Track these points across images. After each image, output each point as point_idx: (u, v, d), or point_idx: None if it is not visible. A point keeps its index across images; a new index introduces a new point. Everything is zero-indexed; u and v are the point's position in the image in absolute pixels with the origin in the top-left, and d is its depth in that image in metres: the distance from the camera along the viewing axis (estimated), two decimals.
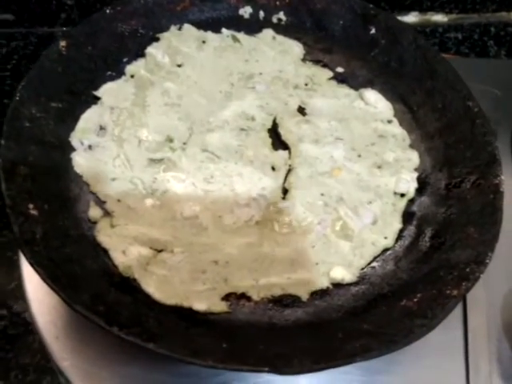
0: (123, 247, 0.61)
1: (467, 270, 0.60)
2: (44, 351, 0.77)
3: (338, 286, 0.63)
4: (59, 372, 0.68)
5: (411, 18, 1.29)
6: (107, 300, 0.55)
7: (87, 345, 0.64)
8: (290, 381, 0.62)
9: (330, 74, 0.84)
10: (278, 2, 0.88)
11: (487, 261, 0.61)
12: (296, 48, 0.85)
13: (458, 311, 0.70)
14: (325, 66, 0.85)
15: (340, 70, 0.84)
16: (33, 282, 0.68)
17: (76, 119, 0.71)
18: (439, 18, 1.30)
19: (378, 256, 0.66)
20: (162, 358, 0.52)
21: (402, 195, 0.72)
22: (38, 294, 0.67)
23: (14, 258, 0.87)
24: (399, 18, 1.27)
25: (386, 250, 0.67)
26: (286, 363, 0.51)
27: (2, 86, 1.01)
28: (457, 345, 0.68)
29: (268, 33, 0.86)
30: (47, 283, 0.54)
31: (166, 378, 0.63)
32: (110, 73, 0.77)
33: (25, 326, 0.82)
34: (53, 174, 0.65)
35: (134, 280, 0.60)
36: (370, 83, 0.83)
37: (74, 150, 0.69)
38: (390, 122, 0.79)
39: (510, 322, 0.70)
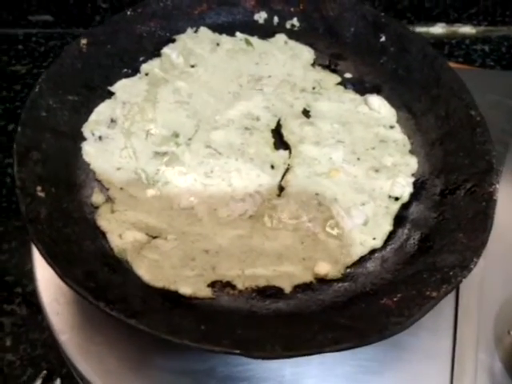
0: (120, 231, 0.65)
1: (450, 273, 0.61)
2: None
3: (321, 281, 0.65)
4: (60, 348, 0.73)
5: (438, 29, 1.29)
6: (98, 278, 0.59)
7: (86, 322, 0.68)
8: (275, 370, 0.65)
9: (338, 79, 0.86)
10: (292, 9, 0.91)
11: (472, 266, 0.61)
12: (306, 53, 0.88)
13: (448, 319, 0.71)
14: (334, 71, 0.87)
15: (348, 75, 0.86)
16: (41, 262, 0.73)
17: (90, 112, 0.76)
18: (467, 29, 1.29)
19: (366, 256, 0.68)
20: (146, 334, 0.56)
21: (397, 199, 0.73)
22: (45, 274, 0.72)
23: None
24: (425, 28, 1.28)
25: (373, 250, 0.68)
26: (257, 348, 0.54)
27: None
28: (445, 352, 0.68)
29: (281, 38, 0.89)
30: (45, 258, 0.58)
31: (159, 359, 0.66)
32: (125, 70, 0.82)
33: (36, 305, 0.88)
34: (62, 161, 0.70)
35: (127, 262, 0.64)
36: (376, 89, 0.85)
37: (84, 139, 0.74)
38: (392, 127, 0.80)
39: (503, 333, 0.70)
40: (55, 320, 0.69)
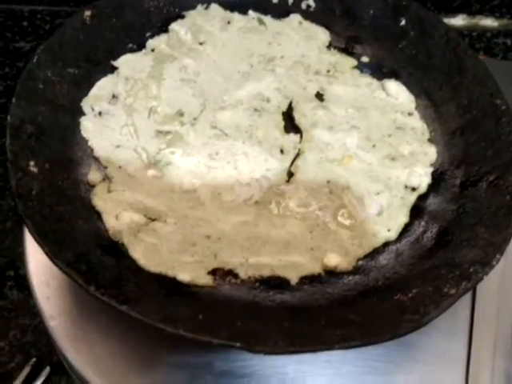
0: (117, 212, 0.61)
1: (470, 270, 0.57)
2: None
3: (330, 273, 0.61)
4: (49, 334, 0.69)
5: (458, 20, 1.25)
6: (90, 260, 0.55)
7: (78, 307, 0.64)
8: (278, 366, 0.61)
9: (355, 62, 0.81)
10: None
11: (493, 262, 0.57)
12: (322, 35, 0.83)
13: (464, 320, 0.66)
14: (350, 54, 0.82)
15: (365, 59, 0.82)
16: (34, 243, 0.69)
17: (90, 86, 0.72)
18: (488, 22, 1.24)
19: (379, 248, 0.63)
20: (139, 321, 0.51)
21: (414, 189, 0.68)
22: (36, 255, 0.68)
23: None
24: (446, 20, 1.23)
25: (387, 242, 0.64)
26: (259, 341, 0.49)
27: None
28: (459, 355, 0.64)
29: (295, 18, 0.84)
30: (34, 237, 0.54)
31: (153, 350, 0.62)
32: (130, 45, 0.78)
33: (29, 288, 0.84)
34: (59, 136, 0.66)
35: (123, 245, 0.59)
36: (394, 74, 0.80)
37: (83, 114, 0.69)
38: (410, 114, 0.75)
39: None
40: (45, 304, 0.65)
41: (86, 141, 0.67)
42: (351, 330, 0.51)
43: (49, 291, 0.66)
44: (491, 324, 0.67)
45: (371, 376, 0.62)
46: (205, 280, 0.58)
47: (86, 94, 0.71)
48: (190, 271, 0.58)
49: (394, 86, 0.77)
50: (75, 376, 0.67)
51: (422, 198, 0.68)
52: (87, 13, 0.75)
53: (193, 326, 0.50)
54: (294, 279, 0.59)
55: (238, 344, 0.48)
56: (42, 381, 0.74)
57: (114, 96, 0.72)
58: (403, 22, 0.82)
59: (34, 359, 0.76)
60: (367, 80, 0.79)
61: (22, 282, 0.84)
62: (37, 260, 0.68)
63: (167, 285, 0.57)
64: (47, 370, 0.75)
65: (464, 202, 0.66)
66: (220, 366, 0.61)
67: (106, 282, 0.52)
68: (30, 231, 0.55)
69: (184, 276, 0.57)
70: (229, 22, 0.83)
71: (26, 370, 0.74)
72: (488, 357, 0.64)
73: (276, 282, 0.59)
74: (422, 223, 0.65)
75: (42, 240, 0.54)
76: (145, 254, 0.58)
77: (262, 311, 0.56)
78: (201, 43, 0.80)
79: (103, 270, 0.55)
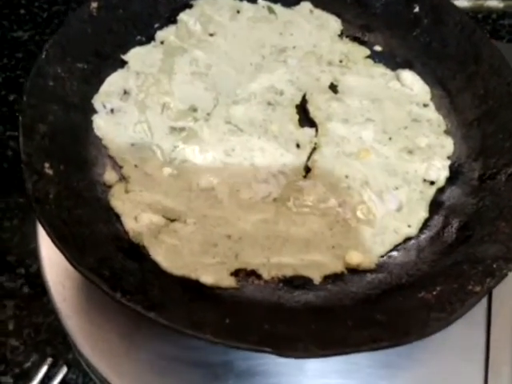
0: (136, 213, 0.60)
1: (494, 265, 0.56)
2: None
3: (353, 271, 0.60)
4: (67, 333, 0.68)
5: (463, 2, 1.22)
6: (113, 265, 0.54)
7: (94, 307, 0.64)
8: (296, 364, 0.61)
9: (367, 52, 0.80)
10: None
11: None
12: (333, 23, 0.81)
13: (481, 316, 0.66)
14: (362, 43, 0.81)
15: (378, 48, 0.80)
16: (47, 242, 0.68)
17: (100, 82, 0.70)
18: (494, 3, 1.22)
19: (400, 244, 0.63)
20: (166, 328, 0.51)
21: (432, 183, 0.68)
22: (50, 255, 0.67)
23: (35, 219, 0.89)
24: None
25: (408, 238, 0.63)
26: (289, 346, 0.49)
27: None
28: (478, 349, 0.64)
29: (306, 6, 0.82)
30: (54, 242, 0.53)
31: (170, 348, 0.62)
32: (139, 37, 0.76)
33: (41, 286, 0.83)
34: (72, 135, 0.64)
35: (143, 247, 0.59)
36: (408, 64, 0.78)
37: (95, 112, 0.68)
38: (425, 105, 0.74)
39: None
40: (61, 304, 0.65)
41: (99, 140, 0.66)
42: (378, 331, 0.51)
43: (64, 292, 0.65)
44: (509, 316, 0.67)
45: (390, 369, 0.62)
46: (228, 282, 0.57)
47: (96, 90, 0.69)
48: (213, 273, 0.57)
49: (409, 76, 0.76)
50: (93, 374, 0.66)
51: (440, 192, 0.67)
52: (94, 4, 0.73)
53: (221, 331, 0.49)
54: (317, 278, 0.59)
55: (269, 349, 0.48)
56: (59, 380, 0.74)
57: (125, 92, 0.70)
58: (416, 9, 0.80)
59: (50, 358, 0.75)
60: (381, 70, 0.77)
61: (34, 280, 0.83)
62: (51, 260, 0.67)
63: (191, 288, 0.56)
64: (64, 369, 0.75)
65: (483, 196, 0.65)
66: (240, 364, 0.61)
67: (130, 287, 0.52)
68: (50, 237, 0.54)
69: (207, 278, 0.56)
70: (238, 12, 0.81)
71: (43, 370, 0.74)
72: (508, 349, 0.65)
73: (299, 282, 0.59)
74: (442, 218, 0.65)
75: (63, 245, 0.53)
76: (166, 257, 0.57)
77: (288, 313, 0.56)
78: (211, 34, 0.78)
79: (126, 274, 0.54)
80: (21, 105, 0.61)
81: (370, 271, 0.60)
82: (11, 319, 0.80)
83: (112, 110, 0.68)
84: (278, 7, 0.82)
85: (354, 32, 0.82)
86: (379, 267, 0.61)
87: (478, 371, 0.63)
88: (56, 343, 0.78)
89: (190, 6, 0.80)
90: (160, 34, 0.77)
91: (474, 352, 0.64)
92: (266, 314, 0.54)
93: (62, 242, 0.53)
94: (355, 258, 0.60)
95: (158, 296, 0.52)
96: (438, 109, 0.74)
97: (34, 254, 0.85)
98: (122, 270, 0.54)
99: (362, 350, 0.50)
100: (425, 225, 0.64)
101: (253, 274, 0.59)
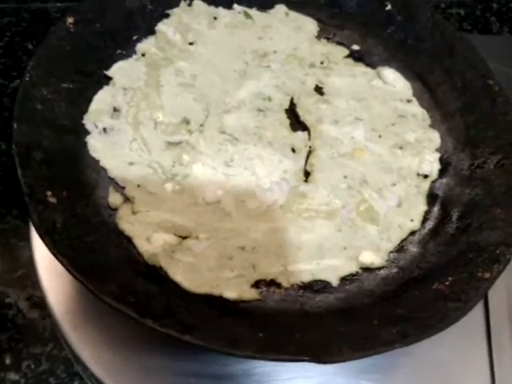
0: (147, 234, 0.59)
1: (497, 251, 0.60)
2: (56, 340, 0.76)
3: (367, 270, 0.62)
4: (76, 361, 0.67)
5: None
6: (136, 290, 0.53)
7: (106, 334, 0.62)
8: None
9: (346, 51, 0.81)
10: None
11: None
12: (310, 25, 0.82)
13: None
14: (340, 43, 0.82)
15: (356, 47, 0.82)
16: (47, 270, 0.66)
17: (88, 101, 0.68)
18: None
19: (405, 239, 0.65)
20: (184, 347, 0.51)
21: (426, 177, 0.70)
22: (52, 283, 0.65)
23: (19, 244, 0.85)
24: None
25: (412, 233, 0.66)
26: (325, 352, 0.50)
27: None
28: (478, 327, 0.67)
29: (280, 8, 0.83)
30: (72, 274, 0.52)
31: (189, 367, 0.61)
32: (120, 51, 0.74)
33: (33, 314, 0.80)
34: (68, 159, 0.62)
35: (161, 268, 0.58)
36: (386, 61, 0.81)
37: (88, 133, 0.66)
38: (409, 101, 0.77)
39: None
40: (73, 335, 0.63)
41: (96, 161, 0.64)
42: (405, 326, 0.53)
43: (74, 320, 0.63)
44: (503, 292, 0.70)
45: (401, 369, 0.64)
46: (250, 294, 0.57)
47: (85, 109, 0.67)
48: (235, 287, 0.57)
49: (390, 74, 0.78)
50: None
51: (434, 184, 0.70)
52: (70, 20, 0.70)
53: (257, 346, 0.50)
54: (334, 281, 0.60)
55: (307, 358, 0.49)
56: None
57: (115, 109, 0.68)
58: (389, 7, 0.83)
59: None
60: (362, 69, 0.79)
61: (25, 309, 0.80)
62: (56, 289, 0.65)
63: (216, 304, 0.56)
64: None
65: (475, 185, 0.68)
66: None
67: (158, 311, 0.51)
68: (66, 268, 0.52)
69: (230, 293, 0.56)
70: (215, 18, 0.80)
71: None
72: (506, 323, 0.68)
73: (319, 287, 0.60)
74: (440, 210, 0.68)
75: (83, 277, 0.51)
76: (186, 276, 0.57)
77: (314, 318, 0.57)
78: (190, 43, 0.77)
79: (151, 298, 0.53)
80: (12, 132, 0.59)
81: (383, 268, 0.62)
82: (7, 353, 0.76)
83: (105, 130, 0.66)
84: (253, 12, 0.82)
85: (330, 33, 0.83)
86: (390, 263, 0.63)
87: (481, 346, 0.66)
88: (59, 372, 0.76)
89: (167, 16, 0.78)
90: (140, 46, 0.75)
91: (475, 331, 0.67)
92: (293, 323, 0.55)
93: (80, 272, 0.52)
94: (368, 258, 0.62)
95: (187, 317, 0.52)
96: (421, 103, 0.77)
97: (22, 282, 0.82)
98: (145, 295, 0.53)
99: (395, 347, 0.51)
100: (425, 218, 0.67)
101: (273, 283, 0.59)
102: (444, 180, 0.71)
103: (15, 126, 0.59)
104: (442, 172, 0.71)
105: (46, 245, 0.53)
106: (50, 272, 0.66)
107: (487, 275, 0.58)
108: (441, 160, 0.72)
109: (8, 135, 0.60)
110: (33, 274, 0.68)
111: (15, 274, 0.82)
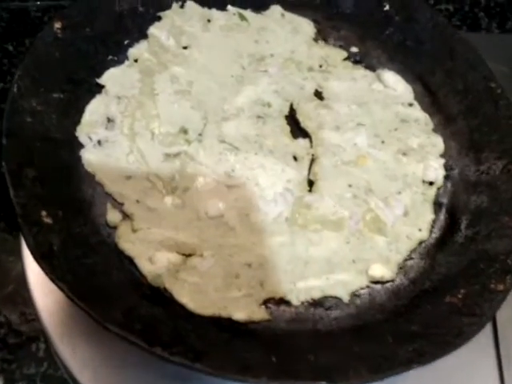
0: (149, 254, 0.56)
1: (508, 261, 0.59)
2: (51, 359, 0.73)
3: (377, 283, 0.60)
4: (74, 382, 0.64)
5: None
6: (141, 315, 0.50)
7: (106, 354, 0.60)
8: None
9: (345, 54, 0.79)
10: None
11: None
12: (307, 26, 0.80)
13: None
14: (338, 45, 0.80)
15: (354, 49, 0.80)
16: (40, 286, 0.62)
17: (80, 111, 0.65)
18: None
19: (415, 250, 0.63)
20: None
21: (431, 183, 0.69)
22: (46, 300, 0.62)
23: (8, 259, 0.81)
24: None
25: (421, 243, 0.64)
26: (341, 374, 0.48)
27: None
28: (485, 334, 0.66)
29: (276, 10, 0.80)
30: (73, 301, 0.49)
31: None
32: (111, 57, 0.70)
33: (26, 334, 0.76)
34: (63, 176, 0.59)
35: (165, 290, 0.55)
36: (386, 63, 0.79)
37: (82, 146, 0.62)
38: (411, 105, 0.75)
39: None
40: (72, 358, 0.60)
41: (92, 176, 0.61)
42: (421, 344, 0.51)
43: (71, 340, 0.60)
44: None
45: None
46: (260, 314, 0.55)
47: (78, 121, 0.64)
48: (243, 308, 0.55)
49: (391, 77, 0.76)
50: None
51: (439, 191, 0.68)
52: (57, 24, 0.67)
53: (271, 371, 0.48)
54: (345, 297, 0.58)
55: (324, 382, 0.47)
56: None
57: (109, 120, 0.65)
58: (387, 7, 0.80)
59: None
60: (361, 72, 0.77)
61: (17, 328, 0.76)
62: (50, 307, 0.62)
63: (224, 326, 0.54)
64: None
65: (481, 191, 0.67)
66: None
67: (167, 338, 0.48)
68: (66, 295, 0.49)
69: (239, 314, 0.54)
70: (209, 21, 0.77)
71: None
72: None
73: (330, 303, 0.58)
74: (447, 218, 0.66)
75: (85, 303, 0.48)
76: (192, 297, 0.54)
77: (327, 338, 0.55)
78: (185, 47, 0.74)
79: (158, 324, 0.50)
80: (2, 149, 0.55)
81: (393, 281, 0.61)
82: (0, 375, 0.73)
83: (99, 142, 0.63)
84: (248, 13, 0.79)
85: (327, 34, 0.81)
86: (401, 276, 0.61)
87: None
88: None
89: (159, 19, 0.75)
90: (132, 52, 0.71)
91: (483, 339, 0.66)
92: (306, 344, 0.53)
93: (81, 299, 0.49)
94: (378, 271, 0.60)
95: (196, 342, 0.49)
96: (423, 107, 0.75)
97: (12, 300, 0.79)
98: (151, 320, 0.50)
99: (413, 367, 0.50)
100: (433, 227, 0.65)
101: (282, 301, 0.57)
102: (450, 187, 0.69)
103: (5, 142, 0.55)
104: (448, 178, 0.69)
105: (43, 269, 0.50)
106: (43, 288, 0.62)
107: (501, 287, 0.57)
108: (446, 166, 0.70)
109: None
110: (24, 290, 0.64)
111: (5, 290, 0.78)
